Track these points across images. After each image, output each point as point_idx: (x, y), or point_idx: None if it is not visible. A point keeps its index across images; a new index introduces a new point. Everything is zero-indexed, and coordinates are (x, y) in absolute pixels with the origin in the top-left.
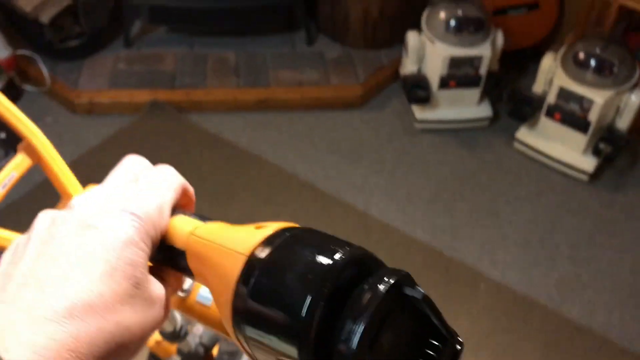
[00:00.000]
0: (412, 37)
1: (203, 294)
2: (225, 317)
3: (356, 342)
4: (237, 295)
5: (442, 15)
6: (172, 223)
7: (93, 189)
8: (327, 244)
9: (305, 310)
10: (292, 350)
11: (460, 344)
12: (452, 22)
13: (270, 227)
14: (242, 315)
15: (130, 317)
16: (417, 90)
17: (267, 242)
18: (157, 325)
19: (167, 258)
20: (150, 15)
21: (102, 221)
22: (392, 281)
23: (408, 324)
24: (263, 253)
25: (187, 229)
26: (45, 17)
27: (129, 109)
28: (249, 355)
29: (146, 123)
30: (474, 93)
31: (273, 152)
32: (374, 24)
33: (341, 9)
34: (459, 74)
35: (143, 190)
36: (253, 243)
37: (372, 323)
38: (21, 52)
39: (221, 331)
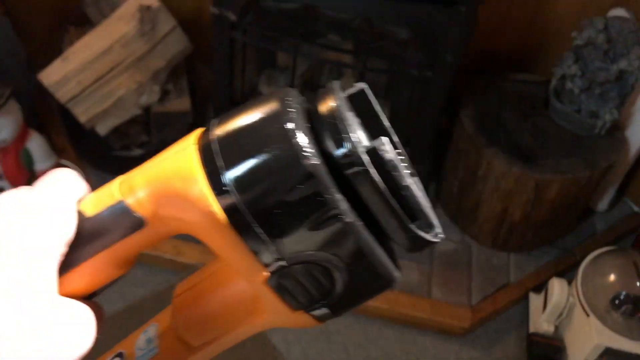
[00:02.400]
0: (557, 288)
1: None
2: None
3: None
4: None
5: (611, 283)
6: None
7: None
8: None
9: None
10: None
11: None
12: (624, 299)
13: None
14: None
15: None
16: None
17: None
18: None
19: None
20: None
21: None
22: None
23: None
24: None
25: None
26: (102, 129)
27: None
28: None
29: None
30: None
31: None
32: (512, 228)
33: (472, 196)
34: None
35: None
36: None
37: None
38: (65, 162)
39: None
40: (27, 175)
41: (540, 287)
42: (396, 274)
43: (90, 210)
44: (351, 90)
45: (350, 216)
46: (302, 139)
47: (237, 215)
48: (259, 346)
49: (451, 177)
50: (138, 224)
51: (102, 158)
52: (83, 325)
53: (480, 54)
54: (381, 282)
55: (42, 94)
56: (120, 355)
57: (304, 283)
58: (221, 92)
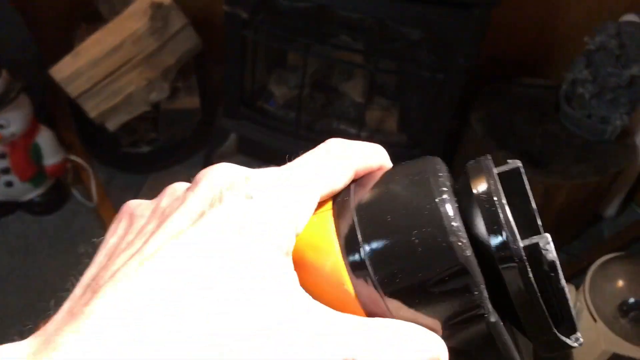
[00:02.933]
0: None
1: None
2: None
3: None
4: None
5: (619, 289)
6: None
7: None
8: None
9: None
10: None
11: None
12: (632, 306)
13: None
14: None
15: None
16: None
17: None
18: None
19: None
20: (238, 143)
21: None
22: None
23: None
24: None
25: None
26: (111, 125)
27: None
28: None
29: None
30: None
31: None
32: None
33: None
34: None
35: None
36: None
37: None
38: (73, 158)
39: None
40: (35, 170)
41: None
42: None
43: None
44: (504, 168)
45: (494, 316)
46: (457, 224)
47: (370, 296)
48: None
49: (457, 181)
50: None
51: (110, 154)
52: None
53: (491, 59)
54: None
55: (53, 89)
56: None
57: None
58: (231, 90)
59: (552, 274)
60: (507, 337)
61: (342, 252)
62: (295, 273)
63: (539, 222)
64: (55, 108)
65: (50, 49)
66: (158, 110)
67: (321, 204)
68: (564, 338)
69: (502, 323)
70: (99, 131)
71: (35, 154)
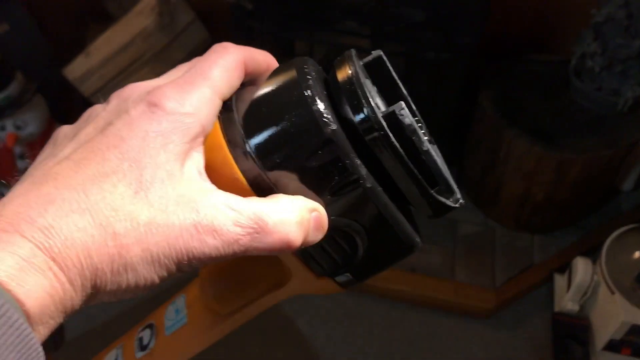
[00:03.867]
0: (581, 267)
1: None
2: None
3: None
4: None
5: (637, 260)
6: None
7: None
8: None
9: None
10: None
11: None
12: None
13: None
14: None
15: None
16: (571, 343)
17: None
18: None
19: None
20: None
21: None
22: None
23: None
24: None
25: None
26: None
27: None
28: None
29: None
30: None
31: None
32: (534, 209)
33: (493, 179)
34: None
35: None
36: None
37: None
38: None
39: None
40: None
41: (565, 267)
42: (417, 239)
43: None
44: (368, 58)
45: (370, 181)
46: (320, 105)
47: (259, 180)
48: (282, 330)
49: (472, 161)
50: None
51: None
52: None
53: (497, 37)
54: (403, 248)
55: (67, 89)
56: (150, 326)
57: (327, 249)
58: None
59: (413, 138)
60: (387, 200)
61: (229, 146)
62: (186, 169)
63: (413, 107)
64: (70, 107)
65: (63, 49)
66: None
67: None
68: (442, 199)
69: (379, 188)
70: None
71: None
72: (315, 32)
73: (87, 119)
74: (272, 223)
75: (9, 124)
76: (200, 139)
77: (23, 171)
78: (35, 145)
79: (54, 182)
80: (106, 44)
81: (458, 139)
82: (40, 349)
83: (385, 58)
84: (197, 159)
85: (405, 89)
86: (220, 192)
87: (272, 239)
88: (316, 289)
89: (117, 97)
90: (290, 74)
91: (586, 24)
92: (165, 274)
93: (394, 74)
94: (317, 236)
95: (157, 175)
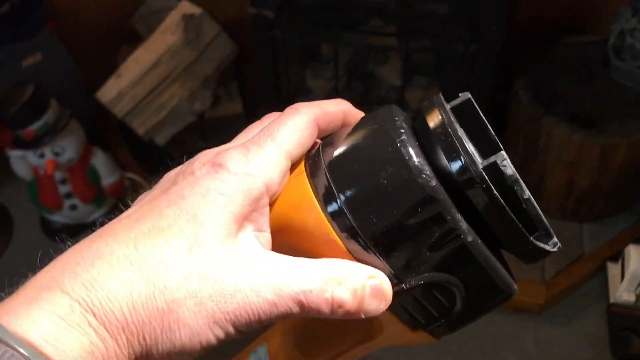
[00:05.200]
0: (634, 255)
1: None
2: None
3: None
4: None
5: None
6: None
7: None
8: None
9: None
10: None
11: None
12: None
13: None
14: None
15: None
16: (629, 336)
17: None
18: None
19: None
20: None
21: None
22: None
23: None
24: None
25: None
26: (160, 139)
27: None
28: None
29: None
30: None
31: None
32: (580, 198)
33: (535, 170)
34: None
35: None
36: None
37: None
38: (130, 175)
39: None
40: (95, 191)
41: (618, 255)
42: (514, 286)
43: None
44: (456, 102)
45: (471, 235)
46: (418, 161)
47: (355, 239)
48: None
49: (511, 153)
50: None
51: (164, 168)
52: None
53: (528, 22)
54: (501, 296)
55: (101, 112)
56: None
57: (424, 303)
58: (268, 91)
59: (515, 187)
60: (487, 252)
61: (321, 206)
62: (240, 231)
63: (500, 145)
64: (106, 130)
65: (95, 73)
66: (203, 120)
67: (295, 166)
68: (541, 244)
69: (480, 241)
70: (150, 147)
71: (93, 176)
72: (340, 35)
73: (158, 182)
74: (315, 291)
75: (47, 151)
76: (265, 201)
77: (65, 197)
78: (74, 169)
79: (106, 237)
80: (135, 64)
81: (495, 132)
82: None
83: (473, 100)
84: (260, 221)
85: (437, 83)
86: (276, 259)
87: (318, 305)
88: (409, 341)
89: (188, 162)
90: (381, 127)
91: (624, 1)
92: (221, 332)
93: (482, 116)
94: (377, 305)
95: (216, 233)
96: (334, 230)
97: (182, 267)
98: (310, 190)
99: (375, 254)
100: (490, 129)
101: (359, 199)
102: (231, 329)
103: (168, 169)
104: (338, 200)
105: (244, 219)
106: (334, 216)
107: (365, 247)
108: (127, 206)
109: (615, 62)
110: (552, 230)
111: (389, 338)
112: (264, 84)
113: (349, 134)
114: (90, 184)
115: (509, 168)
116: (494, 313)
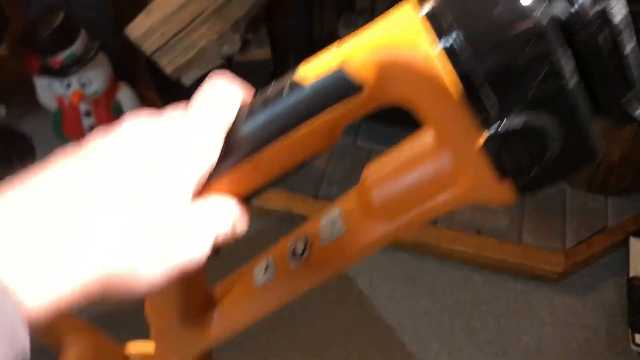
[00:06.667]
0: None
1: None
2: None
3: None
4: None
5: None
6: None
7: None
8: None
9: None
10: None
11: None
12: None
13: None
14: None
15: None
16: None
17: None
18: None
19: None
20: None
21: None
22: None
23: None
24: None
25: None
26: (187, 79)
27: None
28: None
29: (267, 237)
30: None
31: (413, 324)
32: (609, 169)
33: None
34: None
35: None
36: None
37: None
38: None
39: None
40: None
41: None
42: (603, 149)
43: (309, 77)
44: None
45: (574, 78)
46: None
47: (466, 75)
48: (344, 290)
49: None
50: (355, 89)
51: None
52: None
53: None
54: (586, 155)
55: (129, 47)
56: (303, 237)
57: (518, 149)
58: (301, 39)
59: (619, 38)
60: (587, 102)
61: (434, 42)
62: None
63: None
64: (133, 66)
65: (126, 8)
66: (231, 64)
67: (396, 7)
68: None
69: (583, 87)
70: (176, 87)
71: (118, 110)
72: None
73: None
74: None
75: (74, 81)
76: None
77: (89, 130)
78: (99, 102)
79: None
80: (166, 2)
81: None
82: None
83: None
84: None
85: None
86: None
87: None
88: (491, 196)
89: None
90: None
91: None
92: None
93: None
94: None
95: None
96: (447, 66)
97: None
98: (423, 25)
99: (486, 91)
100: None
101: (473, 36)
102: None
103: None
104: (452, 38)
105: None
106: (449, 53)
107: (476, 84)
108: None
109: None
110: None
111: (473, 191)
112: (297, 31)
113: None
114: (114, 118)
115: (618, 16)
116: (510, 278)
